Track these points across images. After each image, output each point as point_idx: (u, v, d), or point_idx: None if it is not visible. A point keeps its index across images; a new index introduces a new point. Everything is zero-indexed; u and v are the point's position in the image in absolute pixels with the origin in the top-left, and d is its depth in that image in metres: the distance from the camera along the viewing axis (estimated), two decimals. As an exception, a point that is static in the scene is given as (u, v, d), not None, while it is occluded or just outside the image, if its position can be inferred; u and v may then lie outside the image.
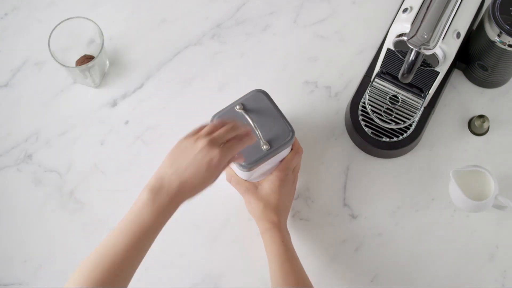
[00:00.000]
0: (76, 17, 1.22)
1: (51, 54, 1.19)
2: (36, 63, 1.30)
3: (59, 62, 1.20)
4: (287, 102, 1.26)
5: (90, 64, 1.19)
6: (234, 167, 1.11)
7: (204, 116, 1.24)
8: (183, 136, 0.98)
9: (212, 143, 0.94)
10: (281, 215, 1.11)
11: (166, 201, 0.92)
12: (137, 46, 1.31)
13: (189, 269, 1.18)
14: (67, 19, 1.21)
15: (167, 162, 0.95)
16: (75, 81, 1.28)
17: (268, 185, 1.12)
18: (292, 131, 1.08)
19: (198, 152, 0.93)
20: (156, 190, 0.92)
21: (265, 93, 1.10)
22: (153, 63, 1.30)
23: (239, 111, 1.08)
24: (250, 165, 1.06)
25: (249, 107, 1.09)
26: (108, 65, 1.29)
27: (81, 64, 1.24)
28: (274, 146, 1.07)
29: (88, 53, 1.26)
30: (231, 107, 1.09)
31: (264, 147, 1.06)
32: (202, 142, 0.94)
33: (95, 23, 1.21)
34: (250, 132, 0.99)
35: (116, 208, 1.20)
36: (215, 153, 0.93)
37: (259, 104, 1.09)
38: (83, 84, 1.28)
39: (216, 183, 1.21)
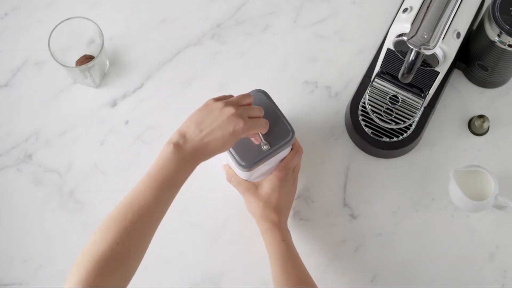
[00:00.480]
0: (76, 17, 1.22)
1: (51, 54, 1.19)
2: (36, 63, 1.30)
3: (59, 62, 1.19)
4: (287, 102, 1.26)
5: (90, 64, 1.19)
6: (234, 167, 1.11)
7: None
8: (210, 98, 1.01)
9: (240, 113, 0.98)
10: (281, 215, 1.11)
11: (189, 157, 0.95)
12: (137, 46, 1.32)
13: (189, 269, 1.18)
14: (67, 19, 1.21)
15: (193, 120, 0.98)
16: (75, 81, 1.28)
17: (268, 185, 1.12)
18: (292, 131, 1.08)
19: (226, 118, 0.97)
20: (180, 146, 0.95)
21: (265, 93, 1.10)
22: (153, 63, 1.30)
23: None
24: (250, 165, 1.06)
25: None
26: (108, 65, 1.29)
27: (81, 64, 1.24)
28: (274, 146, 1.07)
29: (88, 53, 1.26)
30: None
31: (264, 147, 1.06)
32: (230, 110, 0.98)
33: (95, 23, 1.21)
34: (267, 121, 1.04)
35: (116, 208, 1.20)
36: (241, 123, 0.97)
37: (259, 104, 1.09)
38: (83, 84, 1.28)
39: (216, 183, 1.22)
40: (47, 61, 1.30)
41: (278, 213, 1.10)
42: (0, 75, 1.30)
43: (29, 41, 1.32)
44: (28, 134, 1.26)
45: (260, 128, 1.03)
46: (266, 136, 1.07)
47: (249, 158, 1.06)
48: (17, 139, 1.26)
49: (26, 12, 1.34)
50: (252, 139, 1.06)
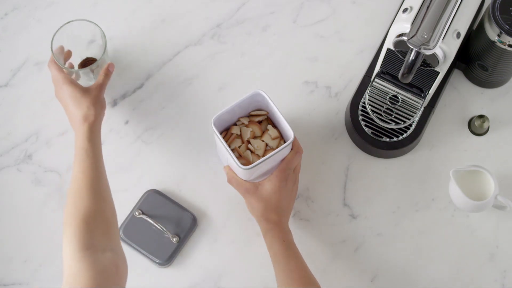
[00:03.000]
0: (78, 20, 1.21)
1: (54, 58, 1.19)
2: (36, 63, 1.30)
3: (62, 66, 1.19)
4: (287, 102, 1.26)
5: (94, 66, 1.19)
6: (234, 168, 1.11)
7: (204, 116, 1.25)
8: None
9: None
10: (282, 215, 1.11)
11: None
12: (137, 46, 1.32)
13: (189, 269, 1.18)
14: (69, 22, 1.20)
15: None
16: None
17: (269, 186, 1.12)
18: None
19: None
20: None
21: (157, 191, 1.21)
22: (153, 63, 1.30)
23: None
24: (165, 261, 1.17)
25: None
26: None
27: (84, 67, 1.24)
28: (182, 235, 1.17)
29: (89, 55, 1.26)
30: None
31: (174, 239, 1.16)
32: None
33: (97, 25, 1.21)
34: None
35: (116, 208, 1.20)
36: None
37: (154, 201, 1.19)
38: (86, 86, 1.28)
39: (217, 183, 1.21)
40: (47, 61, 1.30)
41: (279, 213, 1.10)
42: (0, 75, 1.30)
43: (29, 41, 1.32)
44: (28, 134, 1.26)
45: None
46: (171, 227, 1.17)
47: (163, 253, 1.16)
48: (17, 139, 1.26)
49: (26, 12, 1.34)
50: None
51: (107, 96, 1.28)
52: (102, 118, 1.16)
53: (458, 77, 1.28)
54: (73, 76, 1.21)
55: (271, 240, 1.08)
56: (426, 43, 1.00)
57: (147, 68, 1.30)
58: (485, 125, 1.22)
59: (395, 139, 1.20)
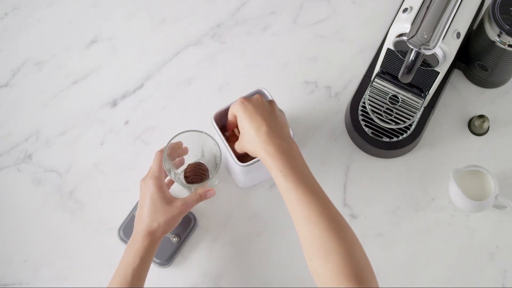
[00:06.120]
0: (205, 134, 1.09)
1: (165, 152, 1.07)
2: (36, 63, 1.30)
3: (169, 168, 1.08)
4: (287, 102, 1.26)
5: (198, 186, 1.10)
6: (232, 164, 1.11)
7: (204, 116, 1.25)
8: None
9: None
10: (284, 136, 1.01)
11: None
12: (137, 46, 1.32)
13: (189, 269, 1.18)
14: (199, 132, 1.08)
15: None
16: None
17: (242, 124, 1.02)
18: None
19: None
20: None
21: None
22: (153, 63, 1.30)
23: None
24: (166, 262, 1.17)
25: None
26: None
27: (192, 171, 1.15)
28: (182, 236, 1.17)
29: (203, 160, 1.18)
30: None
31: (174, 240, 1.17)
32: None
33: (218, 146, 1.09)
34: None
35: (116, 208, 1.20)
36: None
37: None
38: (177, 190, 1.21)
39: (217, 183, 1.21)
40: (47, 61, 1.30)
41: (280, 137, 1.00)
42: (0, 75, 1.30)
43: (29, 41, 1.32)
44: (28, 134, 1.26)
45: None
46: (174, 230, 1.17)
47: (163, 253, 1.16)
48: (17, 139, 1.26)
49: (26, 12, 1.34)
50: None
51: (107, 96, 1.28)
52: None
53: (458, 77, 1.28)
54: (171, 175, 1.10)
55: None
56: (426, 43, 1.00)
57: (147, 68, 1.30)
58: (485, 125, 1.22)
59: (395, 139, 1.21)
